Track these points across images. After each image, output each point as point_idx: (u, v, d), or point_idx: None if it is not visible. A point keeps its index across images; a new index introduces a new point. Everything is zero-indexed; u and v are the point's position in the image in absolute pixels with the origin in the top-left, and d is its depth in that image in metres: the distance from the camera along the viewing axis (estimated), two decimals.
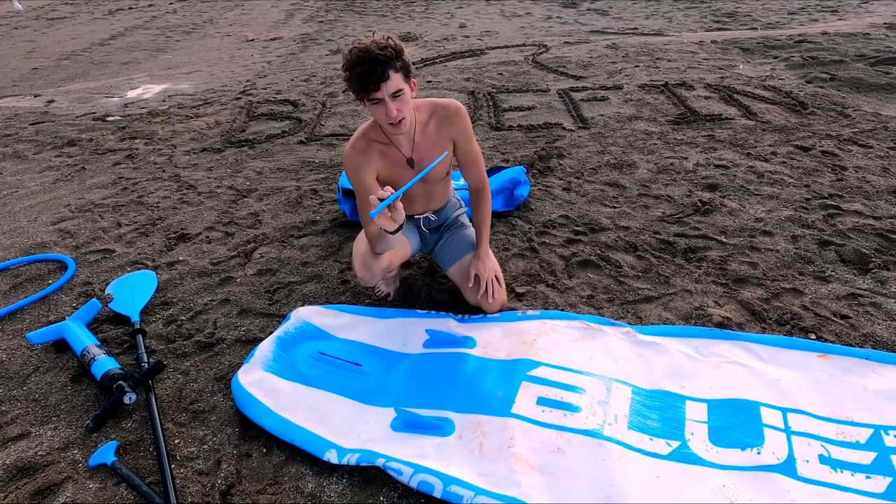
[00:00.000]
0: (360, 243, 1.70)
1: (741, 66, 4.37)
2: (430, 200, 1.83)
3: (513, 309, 1.82)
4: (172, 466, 1.34)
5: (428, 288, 2.00)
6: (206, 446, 1.41)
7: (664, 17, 6.80)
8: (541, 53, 5.18)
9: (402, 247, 1.79)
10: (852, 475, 1.21)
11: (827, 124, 3.18)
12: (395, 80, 1.45)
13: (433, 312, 1.82)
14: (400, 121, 1.51)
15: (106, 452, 1.38)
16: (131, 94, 4.74)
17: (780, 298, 1.81)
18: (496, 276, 1.77)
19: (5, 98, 4.82)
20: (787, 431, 1.31)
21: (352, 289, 2.00)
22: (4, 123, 4.04)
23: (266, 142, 3.46)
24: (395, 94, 1.46)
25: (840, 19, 6.04)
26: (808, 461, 1.24)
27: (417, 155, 1.67)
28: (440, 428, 1.39)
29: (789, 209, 2.33)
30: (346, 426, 1.42)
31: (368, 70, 1.41)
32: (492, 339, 1.66)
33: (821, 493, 1.17)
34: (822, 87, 3.77)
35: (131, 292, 2.01)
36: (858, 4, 6.86)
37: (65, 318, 1.86)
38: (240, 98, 4.32)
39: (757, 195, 2.46)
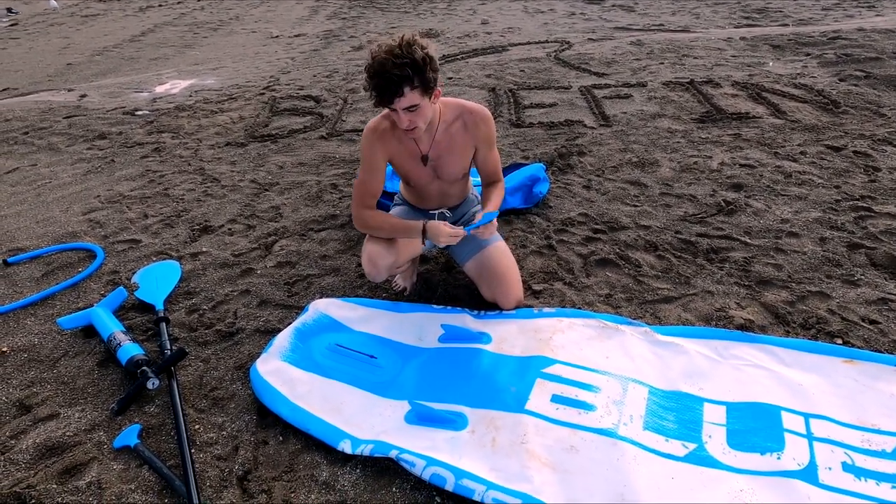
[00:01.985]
0: (370, 241, 1.72)
1: (771, 64, 4.25)
2: (446, 198, 1.83)
3: (529, 306, 1.81)
4: (192, 451, 1.38)
5: (444, 283, 2.00)
6: (224, 432, 1.45)
7: (691, 14, 6.65)
8: (563, 50, 5.12)
9: (411, 243, 1.79)
10: (877, 484, 1.17)
11: (860, 123, 3.07)
12: (410, 97, 1.43)
13: (449, 308, 1.82)
14: (413, 129, 1.52)
15: (129, 435, 1.43)
16: (159, 89, 4.86)
17: (806, 302, 1.76)
18: (510, 266, 1.77)
19: (41, 92, 5.00)
20: (810, 437, 1.28)
21: (369, 282, 2.02)
22: (40, 117, 4.18)
23: (288, 137, 3.51)
24: (410, 108, 1.46)
25: (877, 15, 5.82)
26: (830, 468, 1.21)
27: (435, 152, 1.67)
28: (453, 422, 1.39)
29: (818, 210, 2.26)
30: (361, 417, 1.44)
31: (383, 86, 1.41)
32: (507, 336, 1.66)
33: (843, 501, 1.14)
34: (856, 85, 3.64)
35: (156, 281, 2.06)
36: None
37: (93, 305, 1.92)
38: (263, 93, 4.39)
39: (784, 196, 2.40)
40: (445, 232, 1.61)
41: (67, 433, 1.47)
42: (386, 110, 1.61)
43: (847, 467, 1.21)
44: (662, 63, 4.45)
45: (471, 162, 1.75)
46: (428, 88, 1.45)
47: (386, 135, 1.64)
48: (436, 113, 1.60)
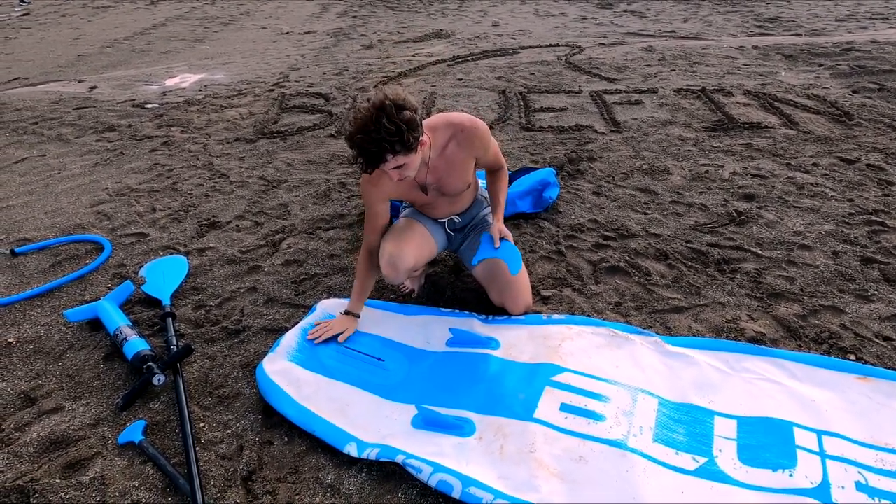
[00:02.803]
0: (387, 241, 1.70)
1: (783, 74, 4.22)
2: (455, 206, 1.81)
3: (538, 312, 1.80)
4: (197, 449, 1.37)
5: (452, 286, 1.99)
6: (229, 431, 1.44)
7: (703, 21, 6.63)
8: (574, 54, 5.11)
9: (429, 246, 1.78)
10: None
11: (874, 136, 3.05)
12: (394, 161, 1.41)
13: (457, 311, 1.81)
14: (404, 178, 1.50)
15: (134, 431, 1.42)
16: (169, 82, 4.86)
17: (819, 316, 1.74)
18: (522, 272, 1.76)
19: (51, 83, 5.00)
20: (822, 455, 1.26)
21: (376, 283, 2.00)
22: (50, 107, 4.19)
23: (297, 134, 3.50)
24: (397, 167, 1.44)
25: (891, 27, 5.78)
26: (843, 487, 1.19)
27: (433, 177, 1.66)
28: (460, 428, 1.38)
29: (830, 223, 2.24)
30: (367, 420, 1.43)
31: (365, 157, 1.39)
32: (516, 342, 1.64)
33: None
34: (869, 97, 3.62)
35: (163, 276, 2.06)
36: None
37: (100, 298, 1.92)
38: (273, 90, 4.39)
39: (796, 207, 2.38)
40: (334, 330, 1.68)
41: (72, 427, 1.46)
42: None
43: (860, 487, 1.19)
44: (674, 70, 4.43)
45: (473, 170, 1.74)
46: (410, 148, 1.41)
47: (382, 180, 1.61)
48: (426, 147, 1.56)
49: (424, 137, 1.49)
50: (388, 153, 1.38)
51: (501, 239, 1.69)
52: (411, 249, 1.68)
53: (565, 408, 1.40)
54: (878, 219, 2.25)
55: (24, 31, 7.51)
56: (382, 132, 1.34)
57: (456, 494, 1.20)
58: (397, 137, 1.35)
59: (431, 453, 1.30)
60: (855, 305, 1.78)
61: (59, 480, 1.31)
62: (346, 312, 1.72)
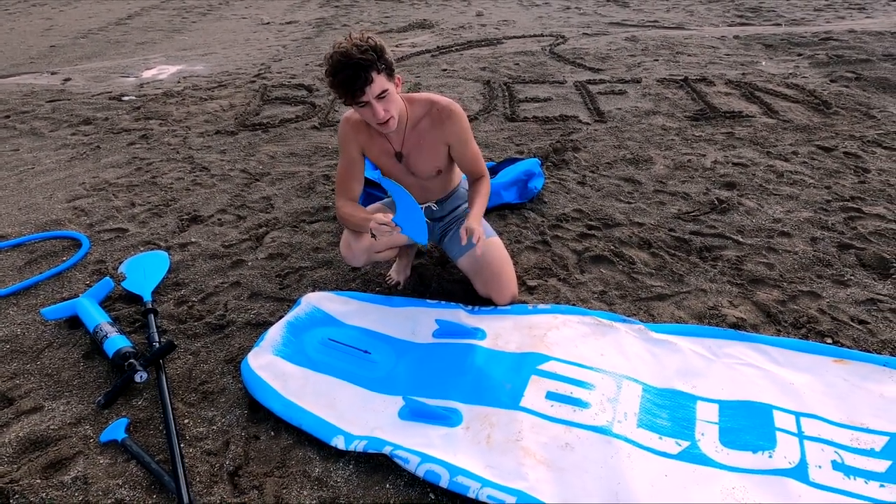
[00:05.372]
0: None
1: (763, 63, 4.28)
2: (427, 192, 1.80)
3: (524, 302, 1.81)
4: (181, 446, 1.35)
5: (438, 278, 1.99)
6: (214, 427, 1.42)
7: (685, 11, 6.67)
8: (558, 44, 5.10)
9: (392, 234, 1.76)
10: (865, 483, 1.19)
11: (851, 125, 3.10)
12: (379, 82, 1.44)
13: (443, 302, 1.81)
14: (388, 120, 1.51)
15: (116, 429, 1.40)
16: (147, 74, 4.75)
17: (797, 301, 1.78)
18: (505, 261, 1.76)
19: (23, 75, 4.85)
20: (800, 436, 1.29)
21: (362, 276, 2.00)
22: (22, 100, 4.07)
23: (279, 126, 3.45)
24: (381, 96, 1.46)
25: (868, 17, 5.88)
26: (820, 467, 1.22)
27: (406, 149, 1.66)
28: (448, 418, 1.38)
29: (809, 210, 2.28)
30: (354, 413, 1.43)
31: (351, 75, 1.41)
32: (502, 332, 1.65)
33: (833, 499, 1.15)
34: (846, 86, 3.68)
35: (144, 272, 2.02)
36: (887, 2, 6.66)
37: (78, 295, 1.88)
38: (254, 81, 4.31)
39: (776, 195, 2.42)
40: (377, 219, 1.52)
41: (52, 427, 1.43)
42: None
43: (837, 466, 1.22)
44: (657, 60, 4.45)
45: (446, 158, 1.73)
46: (391, 72, 1.48)
47: (359, 126, 1.63)
48: (403, 110, 1.59)
49: (399, 77, 1.54)
50: (374, 69, 1.42)
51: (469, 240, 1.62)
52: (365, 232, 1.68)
53: (551, 396, 1.41)
54: (854, 205, 2.30)
55: None
56: (364, 50, 1.41)
57: (444, 484, 1.21)
58: (376, 55, 1.42)
59: (419, 444, 1.30)
60: (832, 290, 1.82)
61: (39, 481, 1.28)
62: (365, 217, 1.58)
